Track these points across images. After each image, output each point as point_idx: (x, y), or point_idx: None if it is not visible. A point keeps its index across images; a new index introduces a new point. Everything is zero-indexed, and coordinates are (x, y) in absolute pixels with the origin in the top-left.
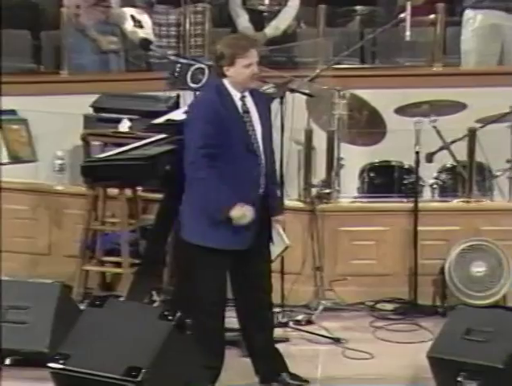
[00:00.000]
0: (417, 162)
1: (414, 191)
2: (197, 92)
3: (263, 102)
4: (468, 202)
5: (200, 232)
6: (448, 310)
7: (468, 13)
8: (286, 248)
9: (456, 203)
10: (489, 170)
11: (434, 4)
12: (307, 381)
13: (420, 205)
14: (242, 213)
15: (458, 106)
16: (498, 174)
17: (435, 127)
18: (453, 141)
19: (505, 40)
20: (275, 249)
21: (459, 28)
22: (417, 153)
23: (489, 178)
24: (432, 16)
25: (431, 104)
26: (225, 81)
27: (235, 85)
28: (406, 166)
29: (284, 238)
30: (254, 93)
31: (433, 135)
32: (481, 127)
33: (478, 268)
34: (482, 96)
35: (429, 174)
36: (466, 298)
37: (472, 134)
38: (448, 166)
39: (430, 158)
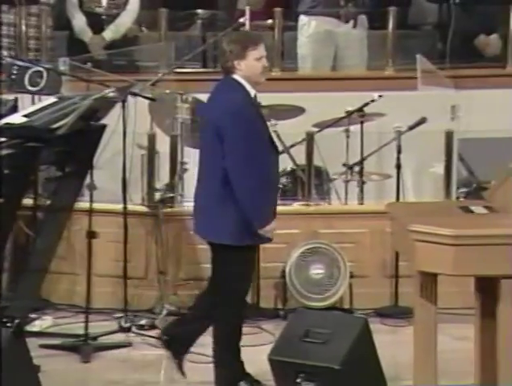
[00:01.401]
0: None
1: None
2: (39, 96)
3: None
4: (307, 205)
5: (239, 232)
6: (289, 312)
7: (303, 19)
8: None
9: (296, 206)
10: (326, 173)
11: (272, 8)
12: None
13: None
14: (272, 229)
15: (296, 110)
16: (335, 177)
17: (275, 131)
18: (292, 145)
19: (338, 46)
20: None
21: (296, 33)
22: None
23: (326, 182)
24: (270, 21)
25: (271, 108)
26: (238, 78)
27: (248, 81)
28: None
29: None
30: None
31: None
32: (318, 131)
33: (317, 271)
34: (319, 100)
35: None
36: (306, 301)
37: (310, 138)
38: (288, 169)
39: None
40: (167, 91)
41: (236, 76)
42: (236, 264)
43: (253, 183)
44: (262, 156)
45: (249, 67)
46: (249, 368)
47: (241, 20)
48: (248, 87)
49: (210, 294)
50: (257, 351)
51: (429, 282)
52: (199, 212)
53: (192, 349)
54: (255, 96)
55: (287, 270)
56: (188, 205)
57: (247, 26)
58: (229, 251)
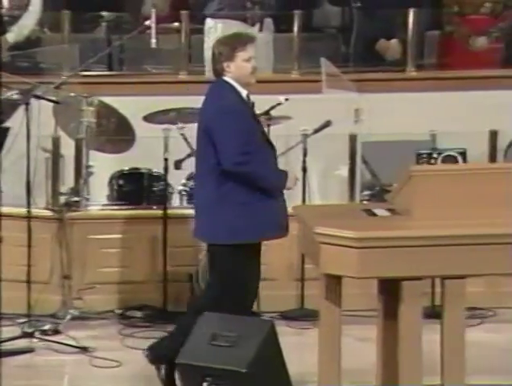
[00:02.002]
0: (166, 169)
1: (163, 198)
2: None
3: None
4: None
5: (236, 231)
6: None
7: (209, 22)
8: None
9: None
10: None
11: (178, 11)
12: None
13: (169, 212)
14: (295, 177)
15: None
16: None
17: (182, 134)
18: None
19: None
20: None
21: (202, 36)
22: (166, 160)
23: None
24: (177, 24)
25: (178, 111)
26: (228, 79)
27: (238, 82)
28: (156, 174)
29: None
30: None
31: (181, 142)
32: None
33: None
34: None
35: (178, 180)
36: None
37: None
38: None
39: (178, 165)
40: (72, 94)
41: (226, 78)
42: (236, 263)
43: (251, 168)
44: (256, 153)
45: (238, 68)
46: (155, 372)
47: (147, 23)
48: (239, 88)
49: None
50: None
51: (334, 285)
52: (196, 213)
53: (97, 353)
54: (248, 96)
55: (195, 273)
56: (94, 209)
57: (153, 30)
58: (228, 250)
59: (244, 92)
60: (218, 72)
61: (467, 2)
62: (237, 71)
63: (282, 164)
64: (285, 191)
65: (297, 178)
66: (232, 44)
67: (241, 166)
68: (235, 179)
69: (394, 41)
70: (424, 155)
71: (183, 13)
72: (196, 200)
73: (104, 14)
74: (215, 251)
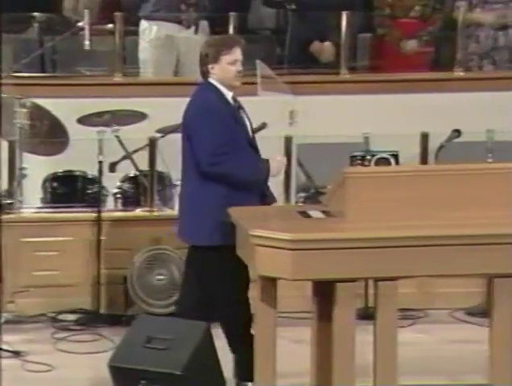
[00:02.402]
0: (100, 171)
1: (97, 201)
2: None
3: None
4: (150, 211)
5: (217, 233)
6: (131, 319)
7: (144, 23)
8: None
9: (138, 212)
10: (169, 179)
11: (112, 12)
12: None
13: (104, 215)
14: (280, 161)
15: (139, 116)
16: (178, 183)
17: (117, 136)
18: (135, 151)
19: (179, 51)
20: None
21: (137, 38)
22: (100, 162)
23: (169, 188)
24: (111, 25)
25: (113, 113)
26: (213, 81)
27: (222, 84)
28: (90, 176)
29: None
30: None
31: (115, 145)
32: (161, 137)
33: (160, 277)
34: (161, 105)
35: (112, 183)
36: (148, 307)
37: (152, 144)
38: (131, 175)
39: (113, 167)
40: (5, 95)
41: (211, 80)
42: (218, 265)
43: (225, 169)
44: (233, 154)
45: (222, 70)
46: (89, 375)
47: (80, 24)
48: (224, 90)
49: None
50: (96, 357)
51: (269, 286)
52: (180, 214)
53: (30, 357)
54: (234, 98)
55: (129, 276)
56: (28, 211)
57: (86, 31)
58: (210, 252)
59: (229, 95)
60: (204, 74)
61: (398, 5)
62: (220, 73)
63: None
64: None
65: (283, 163)
66: (217, 46)
67: (214, 167)
68: (215, 180)
69: (327, 43)
70: (358, 157)
71: (117, 14)
72: (180, 201)
73: (35, 14)
74: (197, 253)
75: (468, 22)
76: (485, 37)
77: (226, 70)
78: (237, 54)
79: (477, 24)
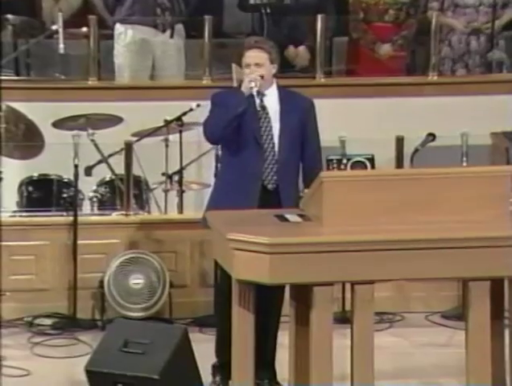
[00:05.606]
0: (76, 175)
1: (73, 205)
2: None
3: (294, 103)
4: (126, 215)
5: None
6: (107, 323)
7: (119, 27)
8: None
9: (114, 216)
10: (145, 183)
11: (86, 16)
12: None
13: (79, 219)
14: (250, 79)
15: (114, 120)
16: (154, 187)
17: (93, 140)
18: (111, 155)
19: (155, 55)
20: None
21: (112, 42)
22: (76, 166)
23: (145, 191)
24: (85, 29)
25: (88, 117)
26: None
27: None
28: (66, 180)
29: None
30: (284, 94)
31: (91, 148)
32: (137, 140)
33: (136, 281)
34: (137, 109)
35: (88, 187)
36: (125, 311)
37: (128, 148)
38: (107, 179)
39: (89, 171)
40: None
41: None
42: None
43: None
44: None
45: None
46: (66, 380)
47: (54, 27)
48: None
49: None
50: (73, 362)
51: (247, 291)
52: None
53: (6, 362)
54: (258, 92)
55: (106, 280)
56: (4, 215)
57: (61, 34)
58: None
59: (247, 92)
60: None
61: (372, 9)
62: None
63: (193, 171)
64: None
65: (255, 79)
66: (241, 50)
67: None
68: (222, 160)
69: (302, 48)
70: (334, 161)
71: (92, 18)
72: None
73: (9, 17)
74: None
75: (441, 25)
76: (458, 41)
77: (243, 73)
78: (248, 57)
79: (449, 28)
